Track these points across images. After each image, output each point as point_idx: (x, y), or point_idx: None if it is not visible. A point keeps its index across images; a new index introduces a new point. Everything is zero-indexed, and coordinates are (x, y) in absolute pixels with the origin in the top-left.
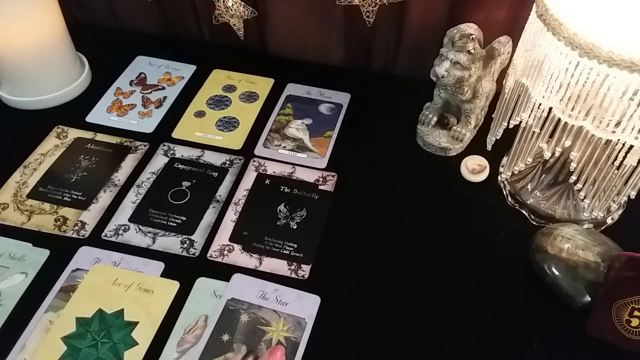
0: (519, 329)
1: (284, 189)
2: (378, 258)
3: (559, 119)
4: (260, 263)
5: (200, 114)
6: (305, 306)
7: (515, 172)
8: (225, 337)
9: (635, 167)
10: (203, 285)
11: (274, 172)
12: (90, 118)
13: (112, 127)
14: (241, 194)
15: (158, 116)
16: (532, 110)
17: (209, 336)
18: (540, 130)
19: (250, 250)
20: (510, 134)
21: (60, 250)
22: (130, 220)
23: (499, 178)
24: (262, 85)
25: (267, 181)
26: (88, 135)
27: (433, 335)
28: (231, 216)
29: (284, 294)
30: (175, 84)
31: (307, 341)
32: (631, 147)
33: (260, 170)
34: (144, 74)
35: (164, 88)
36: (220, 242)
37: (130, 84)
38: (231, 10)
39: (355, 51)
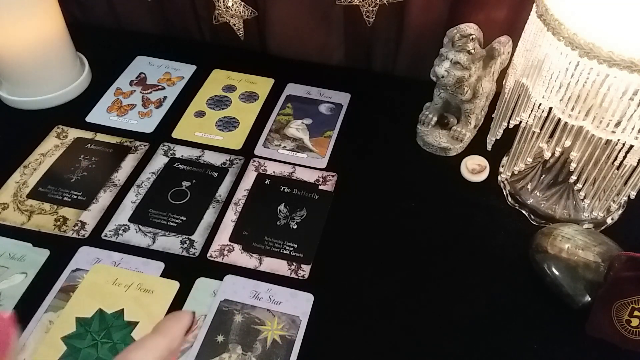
0: (519, 329)
1: (284, 189)
2: (378, 258)
3: (559, 119)
4: (260, 263)
5: (200, 114)
6: (299, 304)
7: (515, 172)
8: (220, 338)
9: (635, 167)
10: (203, 285)
11: (274, 172)
12: (90, 118)
13: (112, 127)
14: (241, 194)
15: (158, 116)
16: (532, 110)
17: (204, 337)
18: (540, 130)
19: (250, 250)
20: (510, 134)
21: (60, 250)
22: (130, 220)
23: (499, 178)
24: (262, 85)
25: (267, 181)
26: (88, 135)
27: (433, 335)
28: (231, 216)
29: (277, 293)
30: (175, 84)
31: (303, 339)
32: (631, 147)
33: (260, 170)
34: (144, 74)
35: (164, 88)
36: (220, 242)
37: (130, 84)
38: (231, 10)
39: (355, 51)
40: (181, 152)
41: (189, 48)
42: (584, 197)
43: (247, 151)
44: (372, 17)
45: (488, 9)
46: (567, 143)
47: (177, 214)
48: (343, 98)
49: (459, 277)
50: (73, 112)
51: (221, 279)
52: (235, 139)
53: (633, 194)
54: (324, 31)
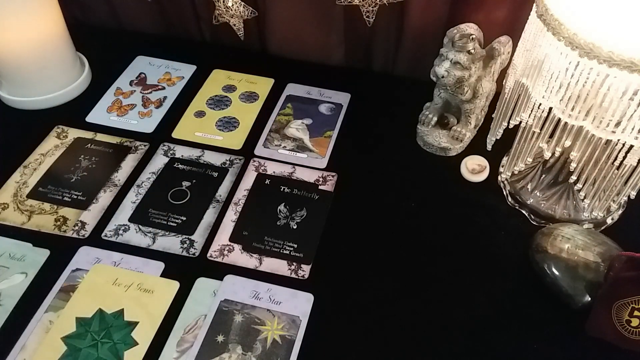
0: (519, 329)
1: (284, 189)
2: (378, 258)
3: (559, 119)
4: (260, 263)
5: (200, 114)
6: (299, 304)
7: (515, 172)
8: (220, 338)
9: (635, 167)
10: (203, 285)
11: (274, 172)
12: (90, 118)
13: (112, 127)
14: (241, 194)
15: (158, 116)
16: (532, 110)
17: (204, 337)
18: (540, 130)
19: (250, 250)
20: (510, 134)
21: (60, 250)
22: (130, 220)
23: (499, 178)
24: (262, 85)
25: (267, 181)
26: (88, 135)
27: (432, 335)
28: (231, 216)
29: (277, 293)
30: (175, 84)
31: (303, 339)
32: (631, 147)
33: (260, 170)
34: (144, 74)
35: (164, 88)
36: (220, 242)
37: (130, 84)
38: (231, 10)
39: (355, 51)
40: (181, 152)
41: (189, 48)
42: (584, 197)
43: (247, 151)
44: (372, 17)
45: (488, 9)
46: (567, 143)
47: (177, 214)
48: (343, 98)
49: (459, 277)
50: (73, 112)
51: (221, 279)
52: (235, 139)
53: (633, 194)
54: (324, 31)
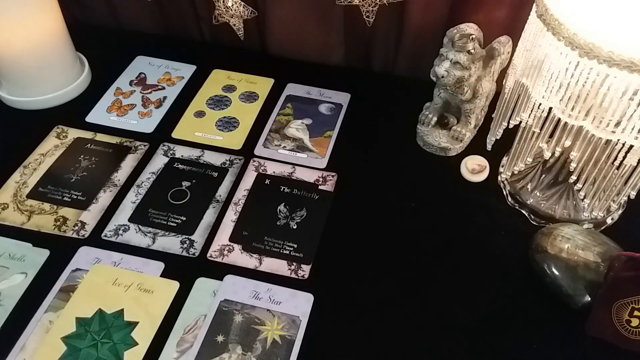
0: (519, 329)
1: (284, 189)
2: (378, 258)
3: (559, 119)
4: (260, 263)
5: (200, 114)
6: (299, 304)
7: (515, 172)
8: (220, 338)
9: (635, 167)
10: (203, 286)
11: (274, 172)
12: (90, 118)
13: (112, 127)
14: (241, 194)
15: (158, 116)
16: (532, 110)
17: (204, 337)
18: (540, 130)
19: (250, 250)
20: (510, 134)
21: (60, 250)
22: (130, 220)
23: (499, 178)
24: (262, 85)
25: (267, 181)
26: (88, 135)
27: (432, 335)
28: (231, 216)
29: (277, 293)
30: (175, 84)
31: (303, 339)
32: (631, 147)
33: (260, 170)
34: (144, 74)
35: (164, 88)
36: (220, 242)
37: (130, 84)
38: (231, 10)
39: (355, 51)
40: (181, 152)
41: (189, 48)
42: (584, 197)
43: (247, 151)
44: (372, 17)
45: (488, 9)
46: (567, 143)
47: (177, 214)
48: (343, 98)
49: (459, 277)
50: (73, 112)
51: (221, 279)
52: (235, 139)
53: (633, 194)
54: (324, 31)
